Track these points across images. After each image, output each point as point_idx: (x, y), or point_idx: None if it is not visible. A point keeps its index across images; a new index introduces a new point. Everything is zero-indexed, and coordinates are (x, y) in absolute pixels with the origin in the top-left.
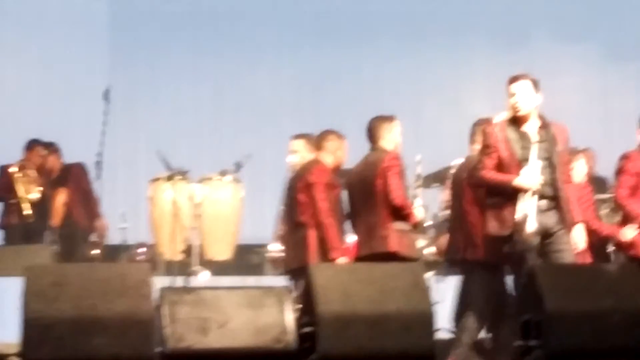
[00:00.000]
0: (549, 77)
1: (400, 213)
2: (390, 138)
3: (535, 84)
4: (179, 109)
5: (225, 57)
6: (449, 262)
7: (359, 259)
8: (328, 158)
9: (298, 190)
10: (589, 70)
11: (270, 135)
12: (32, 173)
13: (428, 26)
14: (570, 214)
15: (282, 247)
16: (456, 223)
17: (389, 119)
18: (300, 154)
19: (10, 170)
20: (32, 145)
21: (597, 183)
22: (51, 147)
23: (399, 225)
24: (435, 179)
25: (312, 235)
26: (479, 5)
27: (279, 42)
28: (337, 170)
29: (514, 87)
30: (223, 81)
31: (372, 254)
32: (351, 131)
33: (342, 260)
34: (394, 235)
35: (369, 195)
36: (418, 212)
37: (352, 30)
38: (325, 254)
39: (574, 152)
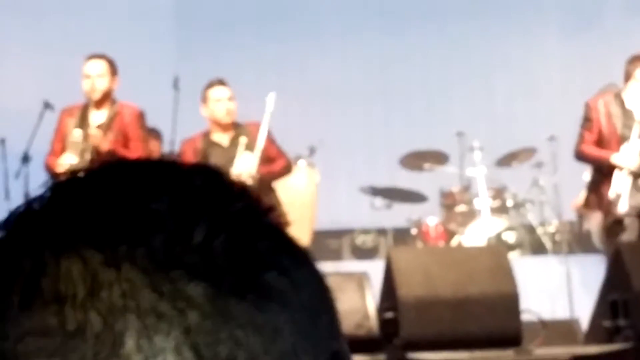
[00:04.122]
0: (625, 55)
1: None
2: None
3: None
4: (246, 96)
5: (291, 42)
6: None
7: None
8: None
9: None
10: None
11: (339, 120)
12: None
13: (498, 5)
14: None
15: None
16: None
17: None
18: None
19: None
20: None
21: None
22: (153, 133)
23: None
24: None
25: None
26: None
27: (346, 25)
28: None
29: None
30: (290, 66)
31: None
32: (419, 113)
33: None
34: None
35: None
36: None
37: (419, 11)
38: None
39: None
